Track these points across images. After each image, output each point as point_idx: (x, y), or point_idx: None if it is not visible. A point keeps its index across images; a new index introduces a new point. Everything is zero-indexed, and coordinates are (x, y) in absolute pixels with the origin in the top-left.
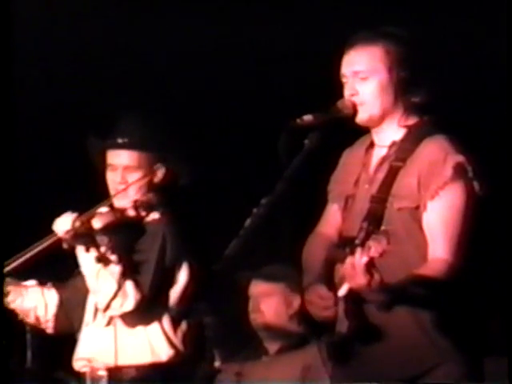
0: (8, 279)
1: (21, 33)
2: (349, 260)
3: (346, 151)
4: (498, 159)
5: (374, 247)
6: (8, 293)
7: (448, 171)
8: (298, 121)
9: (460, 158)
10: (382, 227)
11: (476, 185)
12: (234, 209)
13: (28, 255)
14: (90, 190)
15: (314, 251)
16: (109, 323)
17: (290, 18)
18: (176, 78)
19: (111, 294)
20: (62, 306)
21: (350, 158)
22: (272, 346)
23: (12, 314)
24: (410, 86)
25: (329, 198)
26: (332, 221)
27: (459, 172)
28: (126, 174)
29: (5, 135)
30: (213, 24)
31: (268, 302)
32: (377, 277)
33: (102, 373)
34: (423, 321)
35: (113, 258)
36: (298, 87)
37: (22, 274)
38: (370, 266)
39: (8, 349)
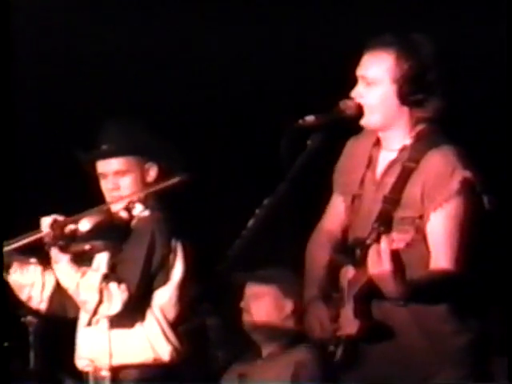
0: (10, 252)
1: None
2: (374, 247)
3: (350, 141)
4: (505, 169)
5: (398, 238)
6: (9, 264)
7: (454, 185)
8: (301, 122)
9: (467, 174)
10: (400, 215)
11: (485, 199)
12: (236, 210)
13: (18, 244)
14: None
15: (318, 254)
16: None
17: (294, 17)
18: (169, 74)
19: (94, 304)
20: (58, 289)
21: (355, 149)
22: (265, 348)
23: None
24: (415, 100)
25: (334, 189)
26: (337, 215)
27: (466, 187)
28: (117, 179)
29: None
30: (210, 23)
31: (259, 304)
32: (402, 267)
33: (105, 373)
34: (424, 322)
35: (97, 261)
36: (300, 87)
37: (24, 252)
38: (396, 254)
39: (10, 350)
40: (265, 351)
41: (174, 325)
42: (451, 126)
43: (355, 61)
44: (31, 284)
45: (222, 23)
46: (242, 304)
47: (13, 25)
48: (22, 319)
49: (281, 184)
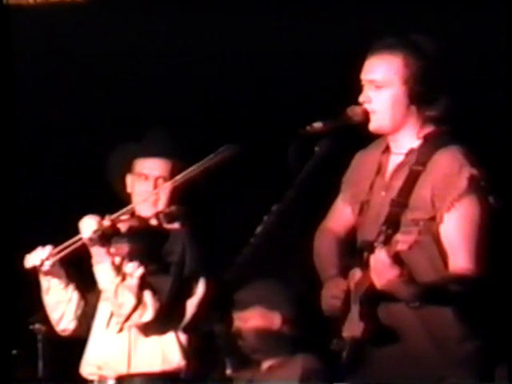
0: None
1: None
2: (374, 257)
3: (358, 153)
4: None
5: (402, 240)
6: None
7: (463, 183)
8: (308, 128)
9: (474, 171)
10: (410, 217)
11: (491, 197)
12: (244, 217)
13: (57, 253)
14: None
15: (327, 247)
16: (121, 329)
17: (304, 22)
18: (188, 88)
19: (130, 308)
20: (85, 308)
21: (364, 160)
22: (265, 363)
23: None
24: (425, 100)
25: (339, 196)
26: (341, 217)
27: (473, 184)
28: (158, 184)
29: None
30: (223, 34)
31: (248, 328)
32: (406, 268)
33: (111, 382)
34: (432, 326)
35: (131, 268)
36: (309, 94)
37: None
38: (397, 259)
39: (19, 358)
40: (265, 364)
41: (187, 333)
42: (459, 124)
43: (358, 65)
44: (68, 300)
45: (231, 33)
46: (233, 329)
47: (15, 27)
48: (31, 327)
49: (289, 190)
